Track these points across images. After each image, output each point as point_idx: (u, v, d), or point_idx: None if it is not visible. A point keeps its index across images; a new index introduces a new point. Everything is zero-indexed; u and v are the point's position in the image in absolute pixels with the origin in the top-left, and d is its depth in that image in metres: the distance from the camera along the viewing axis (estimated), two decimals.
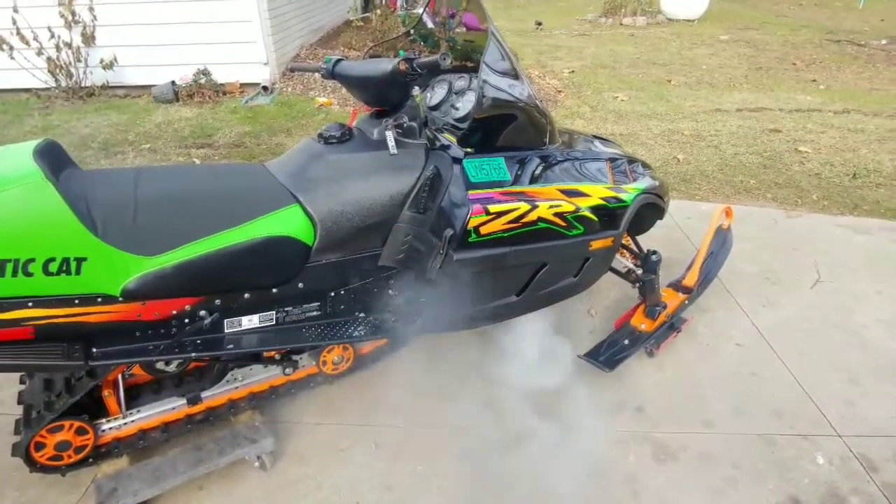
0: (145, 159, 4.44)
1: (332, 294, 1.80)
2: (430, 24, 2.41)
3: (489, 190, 1.88)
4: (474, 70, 1.96)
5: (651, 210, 2.38)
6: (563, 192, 2.00)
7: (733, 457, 1.96)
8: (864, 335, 2.57)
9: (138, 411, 1.81)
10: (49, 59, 5.63)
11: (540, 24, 11.21)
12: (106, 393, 1.75)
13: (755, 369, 2.36)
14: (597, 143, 2.42)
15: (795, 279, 2.98)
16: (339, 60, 1.89)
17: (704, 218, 3.41)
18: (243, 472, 1.85)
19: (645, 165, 2.41)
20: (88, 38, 5.75)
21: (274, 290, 1.68)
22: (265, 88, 5.96)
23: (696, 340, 2.52)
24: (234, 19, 5.76)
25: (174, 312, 1.57)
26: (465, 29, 2.27)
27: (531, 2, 15.86)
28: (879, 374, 2.34)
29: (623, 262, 2.56)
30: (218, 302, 1.62)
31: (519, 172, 1.97)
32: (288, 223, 1.63)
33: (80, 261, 1.38)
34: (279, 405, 2.09)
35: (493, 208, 1.85)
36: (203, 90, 5.79)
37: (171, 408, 1.85)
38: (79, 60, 5.79)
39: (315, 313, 1.80)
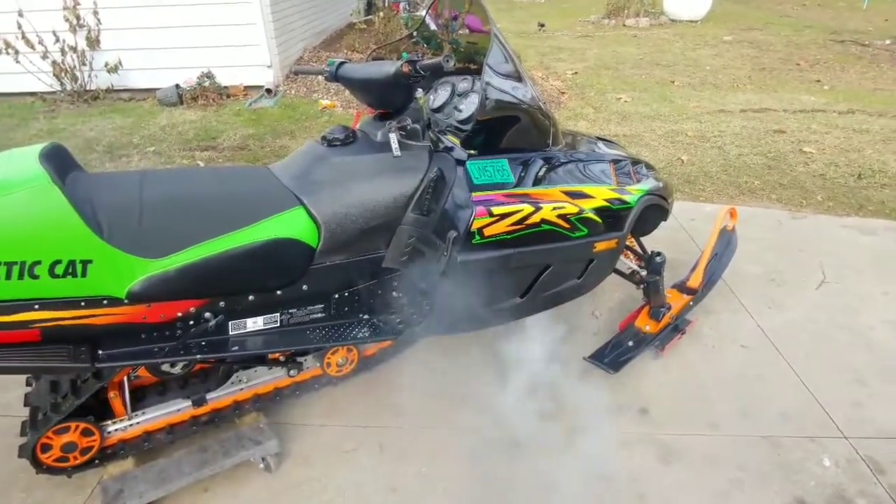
0: (150, 162, 4.46)
1: (337, 296, 1.80)
2: (432, 27, 2.42)
3: (493, 192, 1.88)
4: (477, 72, 1.96)
5: (655, 211, 2.38)
6: (567, 193, 2.00)
7: (739, 459, 1.95)
8: (870, 336, 2.56)
9: (144, 413, 1.82)
10: (54, 62, 5.66)
11: (543, 25, 11.20)
12: (112, 395, 1.76)
13: (760, 371, 2.35)
14: (600, 144, 2.42)
15: (801, 280, 2.97)
16: (342, 63, 1.89)
17: (709, 219, 3.40)
18: (248, 474, 1.86)
19: (649, 167, 2.41)
20: (93, 42, 5.77)
21: (278, 293, 1.68)
22: (269, 91, 5.98)
23: (700, 342, 2.51)
24: (237, 22, 5.78)
25: (179, 314, 1.57)
26: (467, 31, 2.27)
27: (534, 3, 15.86)
28: (886, 375, 2.33)
29: (627, 263, 2.55)
30: (222, 304, 1.62)
31: (522, 174, 1.97)
32: (292, 225, 1.63)
33: (85, 263, 1.39)
34: (284, 407, 2.09)
35: (496, 210, 1.85)
36: (207, 93, 5.81)
37: (177, 409, 1.86)
38: (83, 64, 5.81)
39: (319, 315, 1.80)
